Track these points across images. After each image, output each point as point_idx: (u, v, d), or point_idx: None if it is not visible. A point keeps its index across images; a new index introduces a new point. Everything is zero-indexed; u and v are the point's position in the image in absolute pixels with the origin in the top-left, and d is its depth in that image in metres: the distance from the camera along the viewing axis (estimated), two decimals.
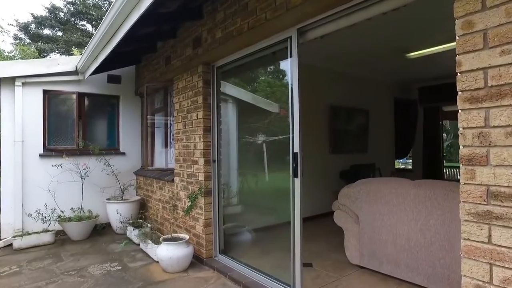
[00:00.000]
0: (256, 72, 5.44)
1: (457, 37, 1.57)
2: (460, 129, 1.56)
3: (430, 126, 7.75)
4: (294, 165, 2.55)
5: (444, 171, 8.03)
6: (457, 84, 1.56)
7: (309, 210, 5.58)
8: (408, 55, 5.17)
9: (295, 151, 2.59)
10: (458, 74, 1.55)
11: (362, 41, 4.83)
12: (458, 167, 8.23)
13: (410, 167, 9.05)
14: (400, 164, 11.53)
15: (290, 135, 2.70)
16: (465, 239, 1.52)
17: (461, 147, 1.57)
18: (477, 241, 1.47)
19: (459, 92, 1.55)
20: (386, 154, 7.39)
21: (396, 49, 5.05)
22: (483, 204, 1.46)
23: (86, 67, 4.52)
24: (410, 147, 8.08)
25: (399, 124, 7.92)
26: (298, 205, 2.62)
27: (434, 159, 7.68)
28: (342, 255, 3.50)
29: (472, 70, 1.50)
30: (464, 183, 1.54)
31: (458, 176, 8.21)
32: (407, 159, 10.06)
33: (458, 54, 1.55)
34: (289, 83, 2.88)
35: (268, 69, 5.17)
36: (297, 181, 2.55)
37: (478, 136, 1.48)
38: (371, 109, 6.77)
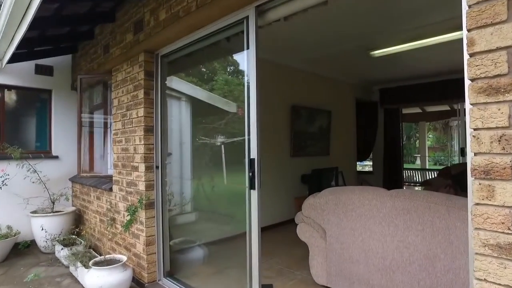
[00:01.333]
0: (210, 65, 4.92)
1: (466, 8, 1.17)
2: (471, 130, 1.16)
3: (391, 127, 7.66)
4: (250, 174, 2.07)
5: (403, 173, 7.98)
6: (467, 71, 1.16)
7: (269, 218, 5.15)
8: (372, 53, 4.91)
9: (251, 157, 2.11)
10: (469, 57, 1.15)
11: (326, 38, 4.49)
12: (416, 169, 8.26)
13: (370, 169, 8.97)
14: (359, 166, 11.55)
15: (246, 138, 2.21)
16: (479, 279, 1.12)
17: (471, 154, 1.17)
18: (499, 284, 1.08)
19: (470, 82, 1.15)
20: (348, 157, 7.17)
21: (360, 46, 4.77)
22: (508, 234, 1.07)
23: (1, 52, 3.72)
24: (371, 149, 7.96)
25: (360, 125, 7.76)
26: (255, 222, 2.15)
27: (394, 161, 7.60)
28: (307, 272, 3.09)
29: (491, 51, 1.09)
30: (478, 203, 1.13)
31: (415, 178, 8.24)
32: (369, 160, 10.01)
33: (470, 30, 1.15)
34: (245, 78, 2.40)
35: (224, 63, 4.67)
36: (255, 194, 2.07)
37: (499, 140, 1.08)
38: (333, 110, 6.50)
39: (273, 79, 5.24)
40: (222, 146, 4.86)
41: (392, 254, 2.37)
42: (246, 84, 2.42)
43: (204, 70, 5.82)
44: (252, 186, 2.07)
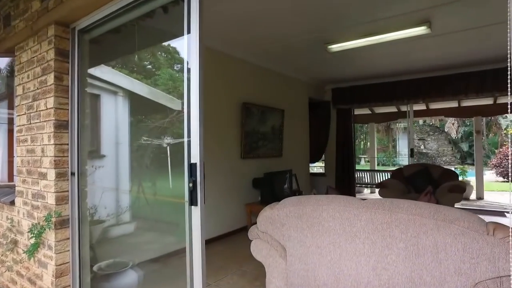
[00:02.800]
0: (148, 51, 4.27)
1: None
2: None
3: (343, 128, 7.50)
4: (191, 184, 1.51)
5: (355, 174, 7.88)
6: None
7: (217, 228, 4.59)
8: (330, 47, 4.58)
9: (192, 161, 1.55)
10: None
11: (280, 29, 4.07)
12: (366, 170, 8.21)
13: (322, 171, 8.79)
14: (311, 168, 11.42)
15: (186, 139, 1.65)
16: None
17: None
18: None
19: None
20: (301, 158, 6.85)
21: (317, 39, 4.42)
22: None
23: None
24: (324, 150, 7.75)
25: (313, 126, 7.51)
26: (198, 246, 1.60)
27: (347, 163, 7.44)
28: None
29: None
30: None
31: (365, 180, 8.19)
32: (321, 162, 9.85)
33: None
34: (185, 65, 1.84)
35: (165, 51, 4.05)
36: (197, 211, 1.52)
37: None
38: (286, 109, 6.12)
39: (222, 73, 4.70)
40: (168, 147, 4.26)
41: (367, 277, 1.95)
42: (186, 75, 1.86)
43: (143, 61, 5.11)
44: (193, 201, 1.51)
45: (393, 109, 9.16)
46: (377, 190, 5.91)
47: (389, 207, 1.87)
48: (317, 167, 12.87)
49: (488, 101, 8.19)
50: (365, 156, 21.55)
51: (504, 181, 12.81)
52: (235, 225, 4.91)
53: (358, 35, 4.24)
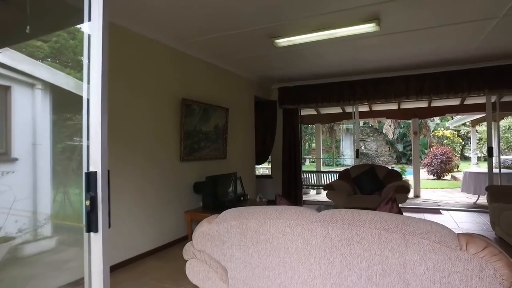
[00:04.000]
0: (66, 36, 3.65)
1: None
2: None
3: (290, 129, 7.31)
4: (87, 203, 1.05)
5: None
6: None
7: (152, 240, 4.06)
8: (277, 41, 4.29)
9: (91, 170, 1.09)
10: None
11: (222, 19, 3.68)
12: (313, 172, 8.11)
13: (268, 172, 8.54)
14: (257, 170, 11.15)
15: (84, 143, 1.19)
16: None
17: None
18: None
19: None
20: (247, 160, 6.52)
21: (263, 31, 4.09)
22: None
23: None
24: (270, 151, 7.49)
25: (259, 126, 7.23)
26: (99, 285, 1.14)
27: (293, 164, 7.26)
28: None
29: None
30: None
31: (312, 181, 8.09)
32: (267, 163, 9.60)
33: None
34: (85, 49, 1.34)
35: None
36: (97, 239, 1.07)
37: None
38: (231, 108, 5.74)
39: (156, 64, 4.18)
40: None
41: None
42: (86, 61, 1.37)
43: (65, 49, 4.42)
44: (92, 226, 1.05)
45: (338, 110, 9.23)
46: (323, 191, 5.77)
47: (349, 220, 1.56)
48: (264, 169, 12.69)
49: (424, 104, 8.59)
50: (310, 157, 21.98)
51: (434, 179, 13.72)
52: (175, 235, 4.41)
53: (306, 30, 4.00)
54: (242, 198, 5.27)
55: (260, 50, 4.88)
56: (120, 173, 3.62)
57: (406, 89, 6.25)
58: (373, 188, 5.46)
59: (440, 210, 6.34)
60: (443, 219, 5.64)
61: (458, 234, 1.45)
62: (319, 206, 4.48)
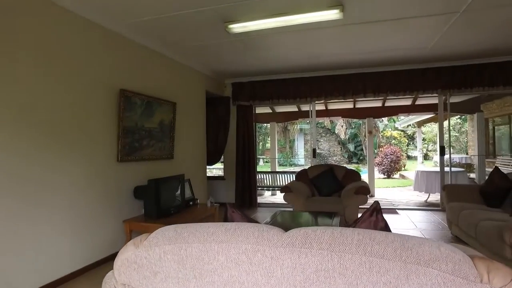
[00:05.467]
0: None
1: None
2: None
3: (244, 127, 6.87)
4: None
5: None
6: None
7: (83, 257, 3.39)
8: (230, 26, 3.81)
9: None
10: None
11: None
12: (268, 172, 7.74)
13: (221, 173, 8.02)
14: (209, 171, 10.54)
15: None
16: None
17: None
18: None
19: None
20: (197, 161, 5.96)
21: (216, 13, 3.60)
22: None
23: None
24: (223, 150, 6.99)
25: (211, 123, 6.71)
26: None
27: (247, 164, 6.83)
28: None
29: None
30: None
31: (267, 182, 7.72)
32: (220, 164, 9.08)
33: None
34: None
35: None
36: None
37: None
38: (179, 102, 5.16)
39: (87, 47, 3.50)
40: None
41: None
42: None
43: None
44: None
45: (294, 108, 8.99)
46: (280, 193, 5.39)
47: (328, 244, 1.12)
48: (217, 169, 12.14)
49: (378, 103, 8.63)
50: (264, 157, 21.79)
51: (384, 178, 14.09)
52: (111, 249, 3.76)
53: (263, 14, 3.58)
54: (191, 203, 4.73)
55: (213, 38, 4.37)
56: (40, 179, 2.92)
57: (364, 87, 6.12)
58: (332, 189, 5.19)
59: (396, 210, 6.27)
60: (400, 219, 5.53)
61: (473, 259, 1.08)
62: (277, 212, 4.09)
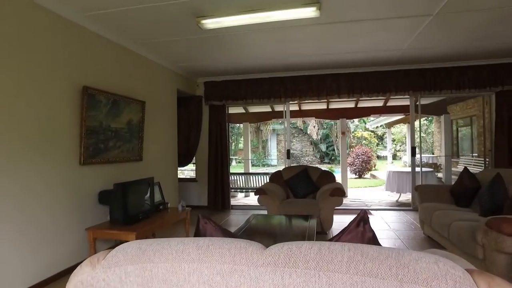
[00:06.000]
0: None
1: None
2: None
3: (217, 127, 6.68)
4: None
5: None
6: None
7: (38, 272, 3.09)
8: (203, 21, 3.63)
9: None
10: None
11: None
12: (241, 174, 7.59)
13: (194, 175, 7.78)
14: (181, 173, 10.25)
15: None
16: None
17: None
18: None
19: None
20: (168, 162, 5.71)
21: (187, 8, 3.40)
22: None
23: None
24: (195, 151, 6.77)
25: (183, 123, 6.48)
26: None
27: (220, 166, 6.65)
28: None
29: None
30: None
31: (240, 184, 7.57)
32: (192, 165, 8.84)
33: None
34: None
35: None
36: None
37: None
38: (149, 101, 4.90)
39: (43, 38, 3.20)
40: None
41: None
42: None
43: None
44: None
45: (267, 108, 8.90)
46: (253, 195, 5.26)
47: (316, 262, 0.99)
48: (190, 171, 11.83)
49: (351, 104, 8.71)
50: (237, 157, 21.63)
51: (356, 178, 14.32)
52: (71, 261, 3.47)
53: (237, 9, 3.42)
54: (161, 207, 4.49)
55: (184, 33, 4.17)
56: None
57: (338, 87, 6.12)
58: (307, 191, 5.12)
59: (370, 211, 6.30)
60: (374, 220, 5.55)
61: (472, 274, 0.98)
62: (252, 216, 3.94)
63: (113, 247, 3.49)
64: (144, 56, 4.90)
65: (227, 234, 1.39)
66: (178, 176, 7.10)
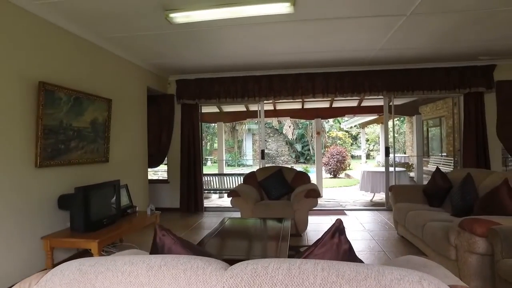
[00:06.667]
0: None
1: None
2: None
3: (189, 127, 6.47)
4: None
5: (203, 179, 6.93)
6: None
7: None
8: (172, 15, 3.44)
9: None
10: None
11: None
12: (215, 175, 7.40)
13: (164, 177, 7.51)
14: (152, 174, 9.93)
15: None
16: None
17: None
18: None
19: None
20: (138, 163, 5.45)
21: (154, 1, 3.20)
22: None
23: None
24: (166, 152, 6.53)
25: (153, 122, 6.23)
26: None
27: (193, 166, 6.44)
28: None
29: None
30: None
31: (214, 185, 7.37)
32: (164, 165, 8.57)
33: None
34: None
35: None
36: None
37: None
38: (116, 99, 4.64)
39: None
40: None
41: None
42: None
43: None
44: None
45: (242, 108, 8.76)
46: (227, 197, 5.10)
47: (284, 284, 0.85)
48: (163, 172, 11.49)
49: (326, 104, 8.71)
50: (212, 157, 21.36)
51: (331, 177, 14.43)
52: (24, 274, 3.17)
53: (209, 3, 3.25)
54: (128, 211, 4.25)
55: (152, 28, 3.95)
56: None
57: (313, 87, 6.07)
58: (282, 193, 5.02)
59: (345, 211, 6.29)
60: (349, 220, 5.53)
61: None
62: (224, 219, 3.78)
63: (72, 258, 3.21)
64: (110, 51, 4.63)
65: (188, 247, 1.23)
66: (151, 177, 6.83)
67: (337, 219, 1.17)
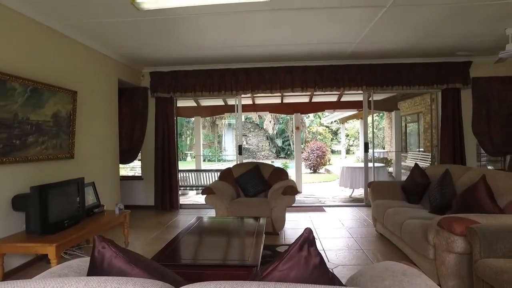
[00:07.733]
0: None
1: None
2: None
3: (164, 121, 6.20)
4: None
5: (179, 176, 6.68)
6: None
7: None
8: (138, 0, 3.18)
9: None
10: None
11: None
12: (191, 171, 7.17)
13: (138, 173, 7.22)
14: (126, 170, 9.58)
15: None
16: None
17: None
18: None
19: None
20: (108, 159, 5.16)
21: None
22: None
23: None
24: (140, 147, 6.25)
25: (126, 116, 5.94)
26: None
27: (168, 162, 6.19)
28: None
29: None
30: None
31: (191, 181, 7.14)
32: (138, 161, 8.26)
33: None
34: None
35: None
36: None
37: None
38: (82, 91, 4.34)
39: None
40: None
41: None
42: None
43: None
44: None
45: (220, 102, 8.53)
46: (201, 194, 4.90)
47: None
48: (139, 168, 11.14)
49: (305, 99, 8.59)
50: (192, 152, 21.01)
51: (311, 173, 14.42)
52: None
53: None
54: (95, 211, 3.99)
55: (118, 14, 3.67)
56: None
57: (292, 80, 5.93)
58: (258, 189, 4.86)
59: (324, 208, 6.20)
60: (328, 217, 5.45)
61: None
62: (198, 219, 3.60)
63: (29, 264, 2.87)
64: (75, 39, 4.31)
65: (132, 262, 1.04)
66: (127, 174, 6.54)
67: (306, 228, 1.00)
